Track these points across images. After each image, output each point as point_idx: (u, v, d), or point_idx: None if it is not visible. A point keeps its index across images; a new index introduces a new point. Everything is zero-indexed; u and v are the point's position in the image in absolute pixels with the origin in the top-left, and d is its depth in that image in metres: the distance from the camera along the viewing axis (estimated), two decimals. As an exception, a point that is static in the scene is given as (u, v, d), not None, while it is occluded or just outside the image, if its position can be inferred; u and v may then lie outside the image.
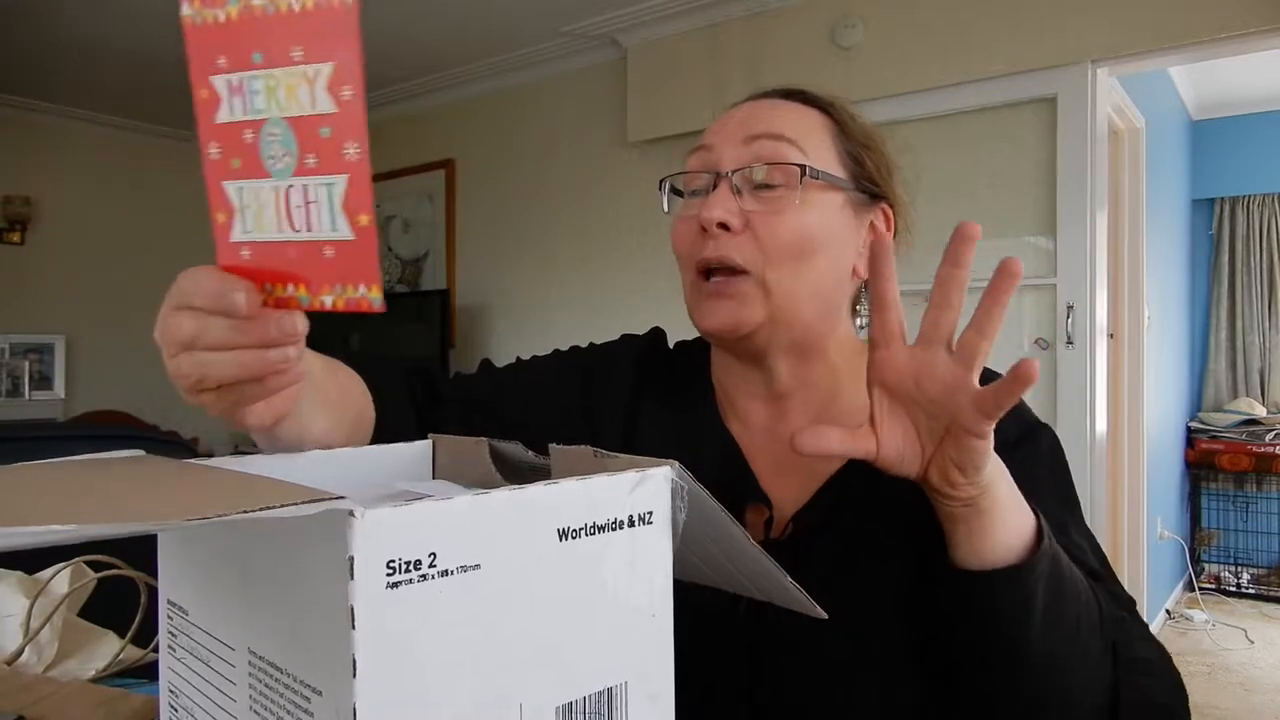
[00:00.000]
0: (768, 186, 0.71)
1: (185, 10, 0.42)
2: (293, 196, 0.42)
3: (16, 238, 4.27)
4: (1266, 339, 4.55)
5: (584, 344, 0.90)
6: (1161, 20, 2.34)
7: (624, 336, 0.89)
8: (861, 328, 0.80)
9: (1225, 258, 4.63)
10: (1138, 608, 0.68)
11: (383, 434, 0.69)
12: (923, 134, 2.72)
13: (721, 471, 0.75)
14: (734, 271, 0.70)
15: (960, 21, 2.61)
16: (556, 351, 0.89)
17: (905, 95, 2.71)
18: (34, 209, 4.32)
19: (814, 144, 0.73)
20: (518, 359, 0.89)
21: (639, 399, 0.81)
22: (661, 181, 0.78)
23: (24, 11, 3.23)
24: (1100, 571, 0.69)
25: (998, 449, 0.56)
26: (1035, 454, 0.75)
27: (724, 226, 0.70)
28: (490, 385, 0.84)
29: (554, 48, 3.54)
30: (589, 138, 3.53)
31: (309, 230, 0.42)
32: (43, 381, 4.41)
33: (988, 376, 0.77)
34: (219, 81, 0.42)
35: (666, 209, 0.79)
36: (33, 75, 3.94)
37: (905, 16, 2.71)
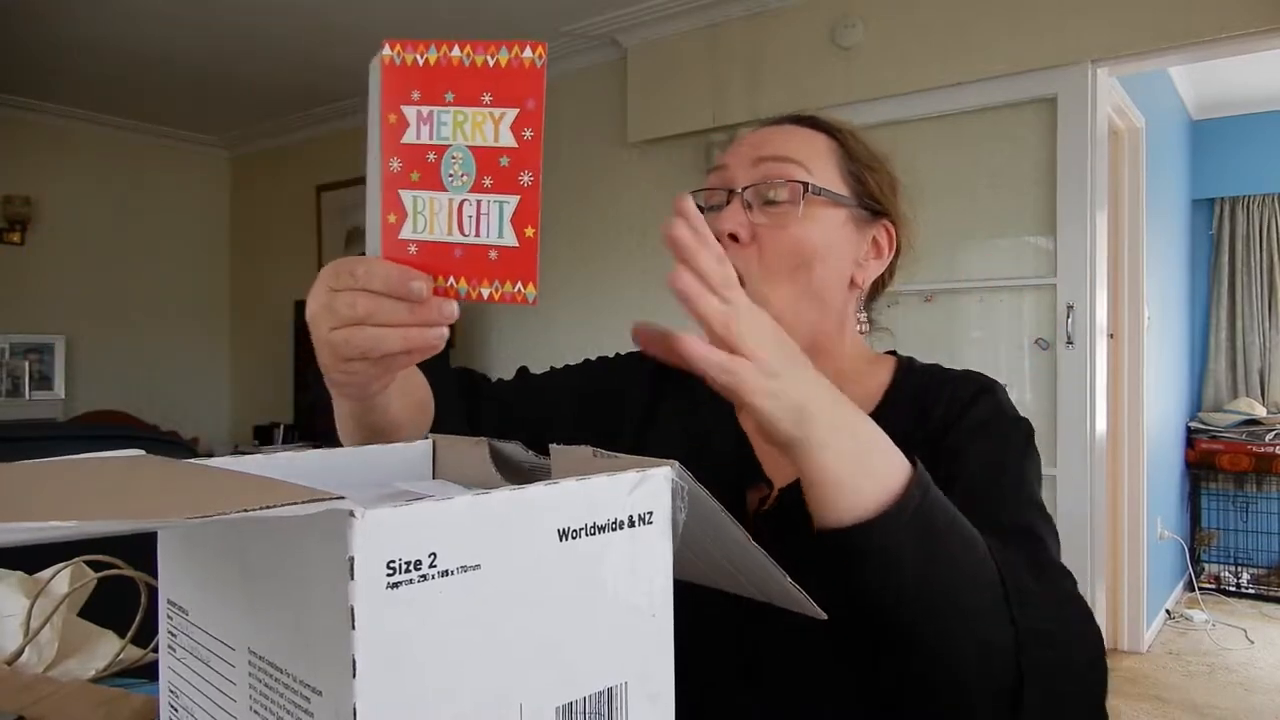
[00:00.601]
0: (774, 202, 0.77)
1: (386, 51, 0.49)
2: (466, 209, 0.50)
3: (16, 238, 4.27)
4: (1266, 339, 4.55)
5: (593, 347, 0.99)
6: (1161, 20, 2.34)
7: None
8: (863, 334, 0.86)
9: (1225, 258, 4.63)
10: (1079, 585, 0.63)
11: (440, 425, 0.76)
12: (923, 134, 2.72)
13: (727, 456, 0.80)
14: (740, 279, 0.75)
15: (960, 21, 2.61)
16: (586, 360, 0.97)
17: (905, 95, 2.71)
18: (34, 209, 4.32)
19: (819, 164, 0.79)
20: (551, 368, 0.95)
21: (658, 399, 0.87)
22: (694, 193, 0.84)
23: (24, 11, 3.23)
24: (1027, 532, 0.66)
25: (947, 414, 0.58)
26: (975, 419, 0.76)
27: (734, 238, 0.76)
28: (526, 389, 0.90)
29: (554, 48, 3.54)
30: (589, 138, 3.53)
31: (477, 236, 0.50)
32: (43, 381, 4.41)
33: (962, 377, 0.80)
34: (409, 110, 0.49)
35: None
36: (33, 75, 3.94)
37: (905, 16, 2.71)
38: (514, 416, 0.84)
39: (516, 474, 0.56)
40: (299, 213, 4.73)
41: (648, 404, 0.87)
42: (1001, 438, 0.74)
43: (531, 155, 0.48)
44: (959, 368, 0.83)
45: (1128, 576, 3.39)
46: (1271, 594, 4.10)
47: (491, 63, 0.47)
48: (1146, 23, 2.36)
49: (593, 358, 0.97)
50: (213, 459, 0.51)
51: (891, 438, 0.58)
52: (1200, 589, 4.14)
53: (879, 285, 0.88)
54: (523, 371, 0.95)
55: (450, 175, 0.50)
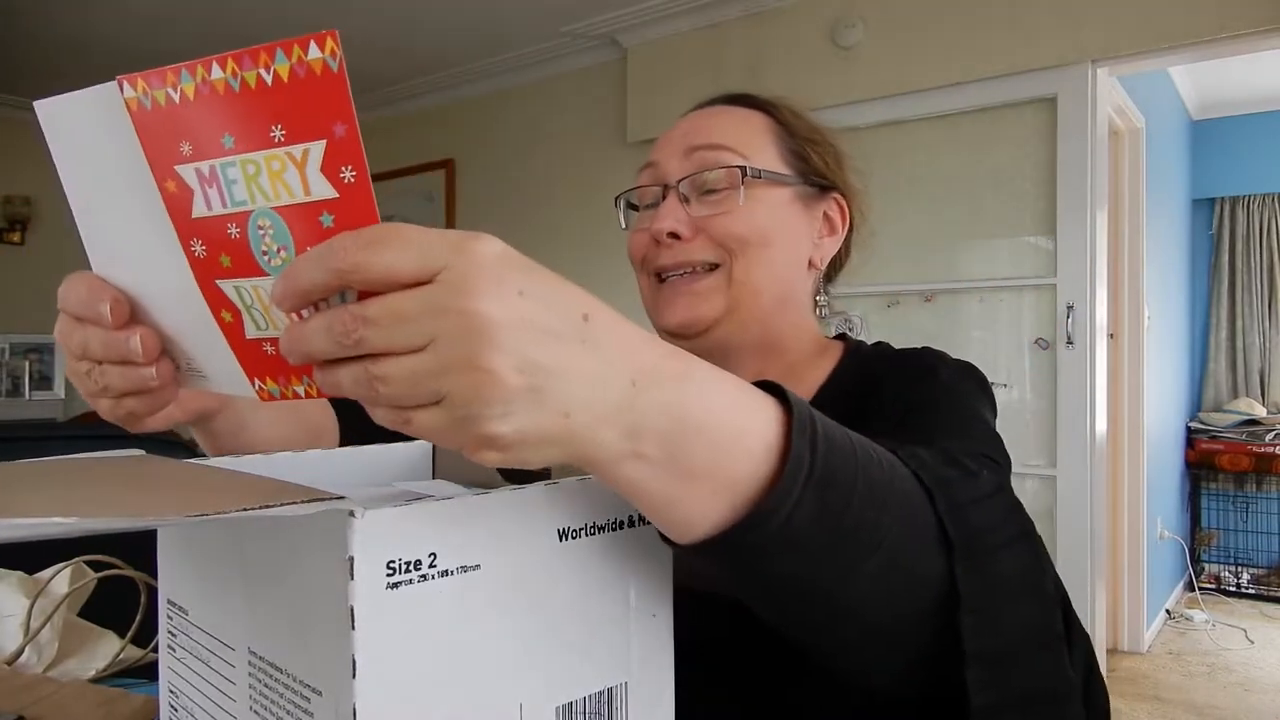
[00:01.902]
0: (713, 191, 0.75)
1: (128, 93, 0.36)
2: None
3: (16, 238, 4.27)
4: (1266, 339, 4.55)
5: None
6: (1161, 20, 2.34)
7: None
8: (822, 318, 0.84)
9: (1225, 258, 4.63)
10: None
11: (349, 435, 0.73)
12: (923, 134, 2.72)
13: None
14: (698, 269, 0.75)
15: (960, 21, 2.61)
16: None
17: (905, 95, 2.71)
18: (34, 209, 4.32)
19: (755, 145, 0.77)
20: None
21: None
22: (616, 199, 0.84)
23: (24, 11, 3.23)
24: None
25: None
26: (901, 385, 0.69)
27: (674, 235, 0.74)
28: None
29: (554, 48, 3.54)
30: (589, 138, 3.53)
31: None
32: (43, 381, 4.41)
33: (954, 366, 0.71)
34: (187, 171, 0.36)
35: (624, 226, 0.84)
36: (33, 75, 3.94)
37: (905, 16, 2.71)
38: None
39: (516, 474, 0.56)
40: (299, 213, 4.73)
41: None
42: (936, 379, 0.67)
43: (362, 204, 0.33)
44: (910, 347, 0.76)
45: (1128, 576, 3.39)
46: (1271, 594, 4.10)
47: (269, 78, 0.32)
48: (1146, 23, 2.36)
49: None
50: (212, 459, 0.51)
51: (833, 413, 0.44)
52: (1200, 589, 4.14)
53: (837, 264, 0.85)
54: None
55: (265, 253, 0.36)
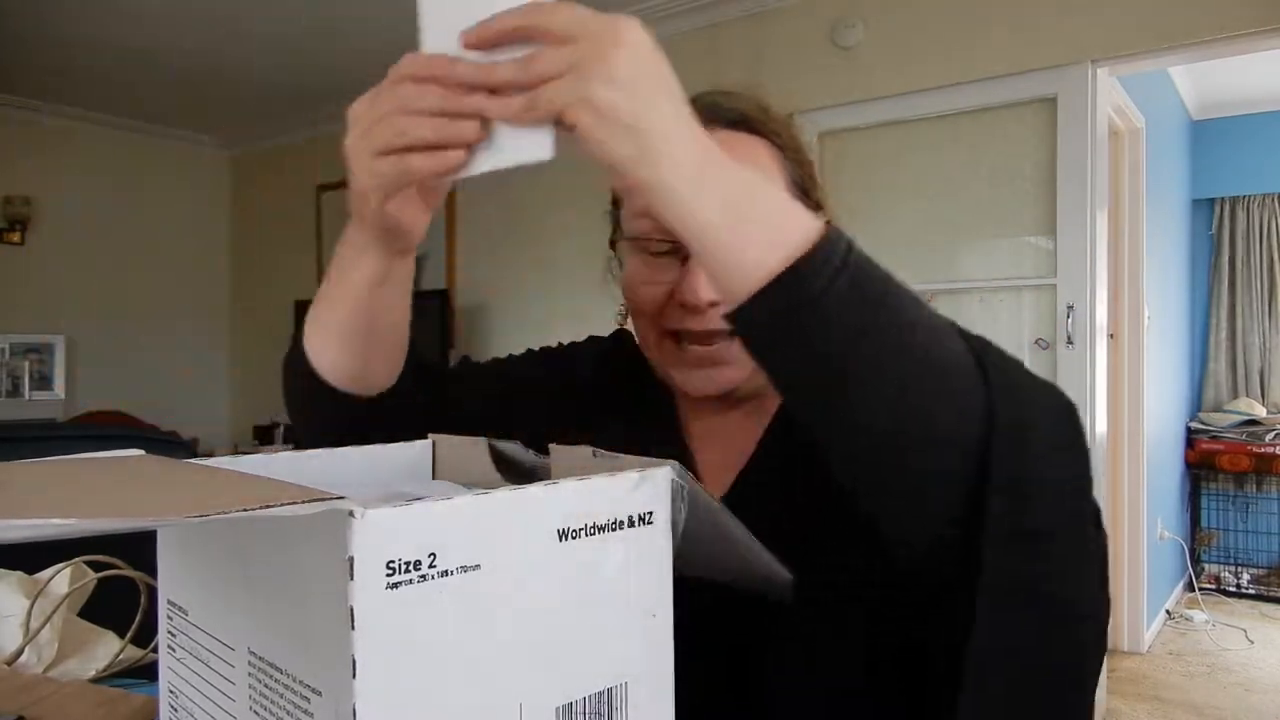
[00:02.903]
0: None
1: None
2: None
3: (16, 238, 4.28)
4: (1266, 339, 4.55)
5: (557, 343, 0.92)
6: (1161, 20, 2.34)
7: (589, 338, 0.91)
8: None
9: (1225, 258, 4.63)
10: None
11: (395, 394, 0.72)
12: (923, 134, 2.72)
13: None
14: (724, 336, 0.69)
15: (960, 21, 2.61)
16: (529, 350, 0.91)
17: (905, 95, 2.71)
18: (34, 209, 4.32)
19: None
20: (494, 358, 0.90)
21: (597, 399, 0.82)
22: (613, 243, 0.78)
23: (24, 11, 3.23)
24: None
25: None
26: None
27: (713, 304, 0.68)
28: (467, 379, 0.86)
29: (554, 48, 3.54)
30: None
31: None
32: (43, 381, 4.41)
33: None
34: None
35: (620, 267, 0.78)
36: (33, 75, 3.94)
37: (905, 16, 2.72)
38: (461, 408, 0.78)
39: (516, 474, 0.56)
40: (299, 213, 4.73)
41: (590, 405, 0.82)
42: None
43: None
44: None
45: (1128, 577, 3.39)
46: (1271, 594, 4.10)
47: None
48: (1146, 23, 2.36)
49: (535, 348, 0.91)
50: (213, 459, 0.51)
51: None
52: (1200, 589, 4.14)
53: None
54: (464, 361, 0.91)
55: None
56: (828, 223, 0.48)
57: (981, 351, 0.50)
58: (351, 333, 0.66)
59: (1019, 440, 0.48)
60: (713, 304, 0.68)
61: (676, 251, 0.71)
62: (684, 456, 0.77)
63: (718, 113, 0.77)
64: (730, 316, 0.48)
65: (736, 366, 0.71)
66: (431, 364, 0.82)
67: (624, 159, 0.46)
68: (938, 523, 0.50)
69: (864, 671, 0.67)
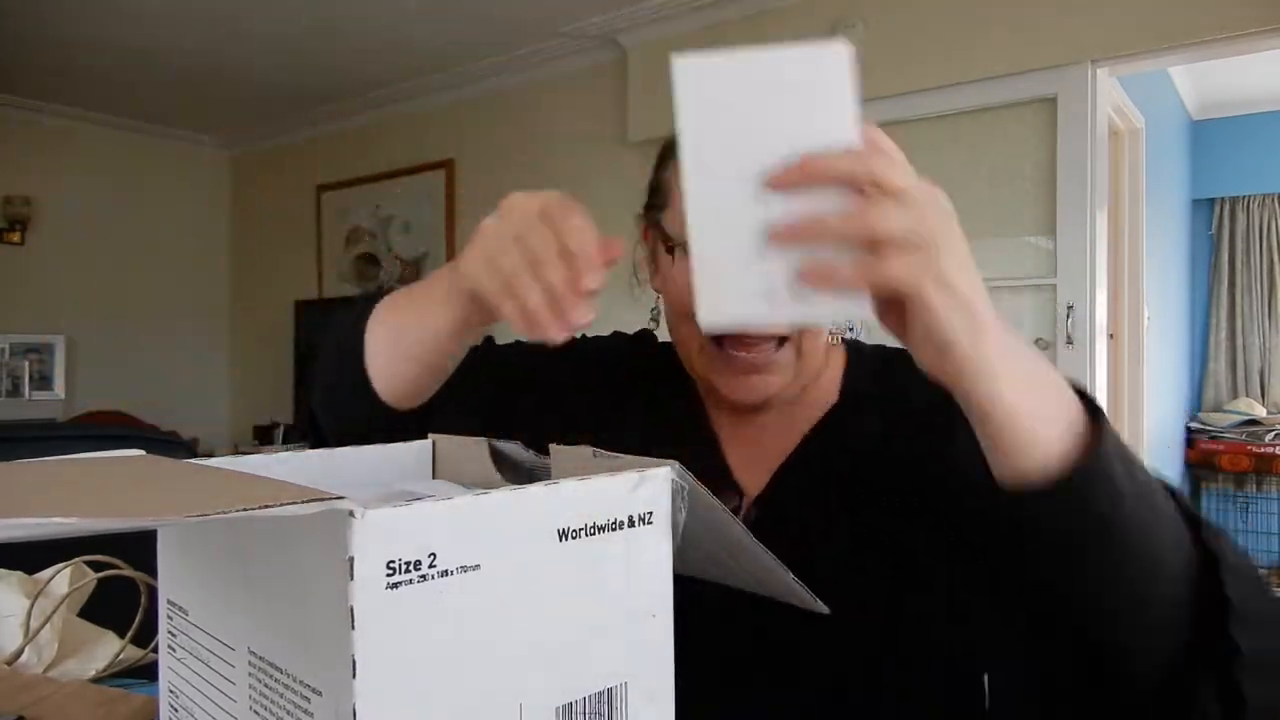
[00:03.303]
0: None
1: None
2: None
3: (16, 238, 4.27)
4: (1266, 339, 4.55)
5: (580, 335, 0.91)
6: (1161, 20, 2.34)
7: (615, 333, 0.92)
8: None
9: (1225, 258, 4.63)
10: None
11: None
12: (923, 134, 2.72)
13: (696, 461, 0.75)
14: (769, 343, 0.70)
15: (960, 21, 2.61)
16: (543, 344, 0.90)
17: (905, 95, 2.71)
18: (34, 209, 4.32)
19: None
20: (516, 341, 0.89)
21: (624, 393, 0.83)
22: (671, 247, 0.75)
23: (24, 11, 3.23)
24: None
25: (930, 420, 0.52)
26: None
27: None
28: (485, 359, 0.84)
29: (554, 48, 3.54)
30: (589, 138, 3.53)
31: None
32: (43, 381, 4.41)
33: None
34: None
35: (655, 271, 0.78)
36: (33, 75, 3.94)
37: (905, 16, 2.71)
38: (477, 390, 0.78)
39: (516, 474, 0.56)
40: (299, 213, 4.73)
41: (618, 398, 0.83)
42: None
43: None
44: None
45: (1128, 576, 3.39)
46: (1271, 594, 4.10)
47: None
48: (1146, 23, 2.36)
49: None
50: (213, 459, 0.51)
51: (871, 428, 0.54)
52: (1200, 589, 4.14)
53: None
54: (489, 341, 0.90)
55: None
56: (1076, 389, 0.50)
57: (1204, 528, 0.52)
58: (422, 367, 0.68)
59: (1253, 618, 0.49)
60: None
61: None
62: (713, 451, 0.77)
63: None
64: (1021, 497, 0.49)
65: (779, 375, 0.71)
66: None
67: (958, 336, 0.45)
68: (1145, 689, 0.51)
69: (867, 676, 0.68)
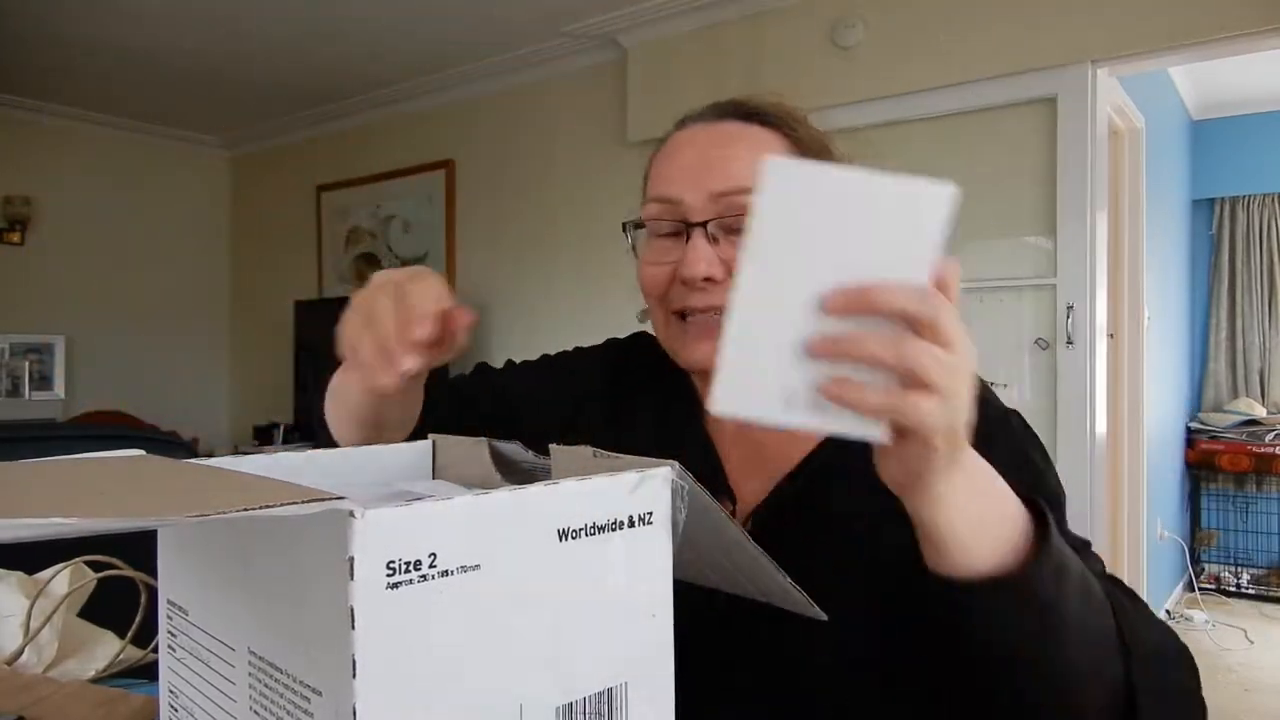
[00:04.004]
0: (739, 232, 0.73)
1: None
2: None
3: (16, 238, 4.27)
4: (1266, 339, 4.55)
5: (574, 347, 0.94)
6: (1161, 20, 2.34)
7: (608, 341, 0.93)
8: None
9: (1225, 258, 4.63)
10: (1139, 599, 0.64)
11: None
12: (923, 134, 2.72)
13: (694, 467, 0.75)
14: (721, 310, 0.71)
15: (960, 21, 2.61)
16: (544, 356, 0.93)
17: (905, 95, 2.71)
18: (34, 209, 4.32)
19: None
20: (509, 361, 0.92)
21: (619, 401, 0.84)
22: (624, 225, 0.81)
23: (24, 11, 3.23)
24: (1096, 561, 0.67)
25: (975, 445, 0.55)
26: (1012, 439, 0.74)
27: (710, 280, 0.71)
28: (488, 386, 0.86)
29: (554, 48, 3.54)
30: (589, 138, 3.53)
31: None
32: (43, 381, 4.41)
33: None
34: None
35: (633, 249, 0.81)
36: (33, 75, 3.94)
37: (905, 16, 2.71)
38: (476, 413, 0.80)
39: (516, 474, 0.56)
40: (299, 213, 4.73)
41: (613, 407, 0.84)
42: (1013, 444, 0.73)
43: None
44: None
45: (1128, 577, 3.39)
46: (1271, 594, 4.10)
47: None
48: (1146, 23, 2.36)
49: (551, 353, 0.93)
50: (213, 459, 0.51)
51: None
52: (1200, 589, 4.14)
53: None
54: (482, 368, 0.92)
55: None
56: (1034, 507, 0.55)
57: (1126, 624, 0.57)
58: (361, 427, 0.74)
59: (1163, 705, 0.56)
60: (709, 279, 0.71)
61: (679, 234, 0.74)
62: (704, 443, 0.79)
63: (734, 108, 0.79)
64: (952, 585, 0.53)
65: None
66: (441, 395, 0.84)
67: (936, 477, 0.49)
68: None
69: (865, 683, 0.68)
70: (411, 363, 0.58)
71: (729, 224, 0.72)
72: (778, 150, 0.76)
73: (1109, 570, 0.69)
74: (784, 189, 0.44)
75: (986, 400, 0.74)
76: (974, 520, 0.51)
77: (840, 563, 0.68)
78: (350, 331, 0.61)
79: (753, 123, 0.78)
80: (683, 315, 0.75)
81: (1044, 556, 0.52)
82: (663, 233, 0.76)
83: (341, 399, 0.75)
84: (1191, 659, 0.61)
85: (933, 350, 0.44)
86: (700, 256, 0.71)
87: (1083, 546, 0.67)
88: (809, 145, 0.78)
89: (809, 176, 0.44)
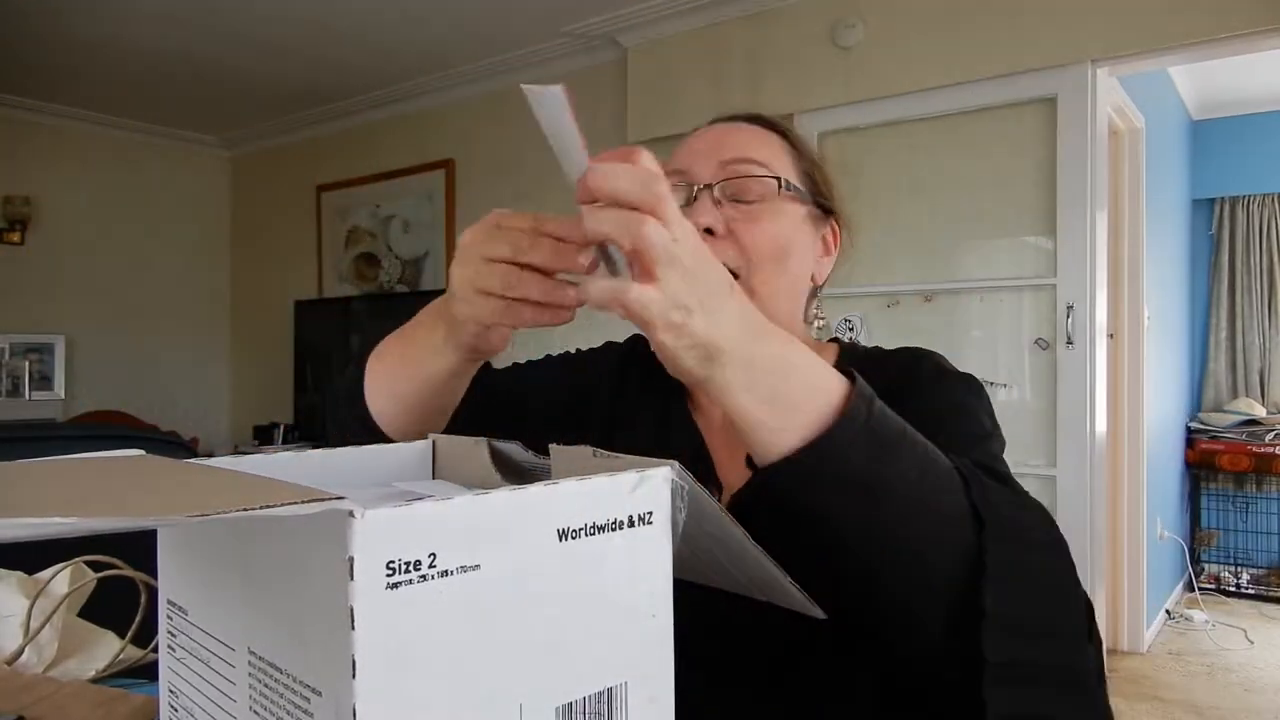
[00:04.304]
0: (743, 201, 0.77)
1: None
2: None
3: (16, 238, 4.28)
4: (1266, 339, 4.55)
5: (575, 348, 0.96)
6: (1161, 20, 2.34)
7: (607, 344, 0.95)
8: (820, 329, 0.89)
9: (1225, 258, 4.63)
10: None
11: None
12: (923, 134, 2.72)
13: (683, 455, 0.76)
14: None
15: (960, 21, 2.61)
16: (547, 357, 0.95)
17: (905, 95, 2.71)
18: (34, 209, 4.32)
19: (780, 163, 0.80)
20: (513, 364, 0.93)
21: (617, 399, 0.86)
22: None
23: (24, 11, 3.23)
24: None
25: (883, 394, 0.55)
26: (922, 378, 0.75)
27: (709, 232, 0.75)
28: (493, 388, 0.86)
29: (554, 48, 3.54)
30: (589, 138, 3.49)
31: None
32: (43, 381, 4.41)
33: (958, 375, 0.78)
34: None
35: None
36: (33, 75, 3.94)
37: (905, 16, 2.72)
38: (482, 416, 0.79)
39: (516, 474, 0.56)
40: (299, 213, 4.73)
41: (613, 403, 0.86)
42: (950, 388, 0.74)
43: None
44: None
45: (1128, 577, 3.39)
46: (1271, 594, 4.10)
47: None
48: (1146, 23, 2.36)
49: (554, 353, 0.95)
50: (213, 459, 0.51)
51: None
52: (1200, 589, 4.14)
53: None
54: (486, 368, 0.92)
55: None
56: (852, 383, 0.54)
57: (979, 497, 0.55)
58: (419, 409, 0.70)
59: (1011, 588, 0.53)
60: (709, 230, 0.75)
61: (688, 204, 0.77)
62: (693, 434, 0.81)
63: (747, 116, 0.85)
64: (759, 470, 0.54)
65: None
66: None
67: (689, 363, 0.51)
68: (930, 656, 0.57)
69: (855, 685, 0.68)
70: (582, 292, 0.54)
71: (734, 189, 0.77)
72: (780, 147, 0.82)
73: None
74: (544, 111, 0.52)
75: (940, 362, 0.78)
76: (765, 399, 0.52)
77: (811, 545, 0.68)
78: (485, 307, 0.57)
79: (756, 124, 0.84)
80: None
81: (846, 423, 0.52)
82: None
83: (396, 379, 0.70)
84: (1049, 518, 0.58)
85: (659, 228, 0.47)
86: (704, 210, 0.76)
87: (1002, 476, 0.63)
88: (806, 153, 0.84)
89: (544, 97, 0.51)
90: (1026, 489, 0.62)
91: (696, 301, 0.49)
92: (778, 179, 0.78)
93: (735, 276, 0.75)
